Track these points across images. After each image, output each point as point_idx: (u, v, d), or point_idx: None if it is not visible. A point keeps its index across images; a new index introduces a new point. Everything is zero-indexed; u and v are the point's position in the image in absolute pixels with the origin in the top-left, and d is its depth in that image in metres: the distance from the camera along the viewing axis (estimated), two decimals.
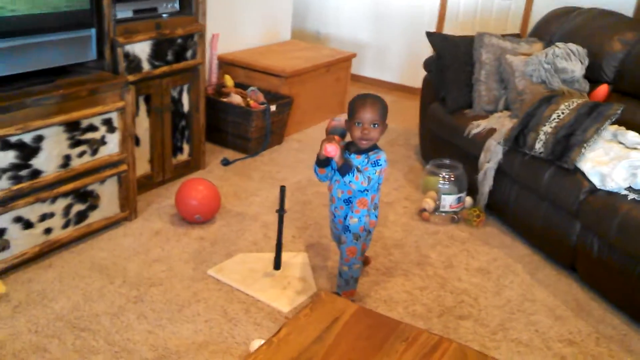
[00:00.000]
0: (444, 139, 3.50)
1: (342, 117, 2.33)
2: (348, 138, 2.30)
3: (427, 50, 5.44)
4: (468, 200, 3.24)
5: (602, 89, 3.21)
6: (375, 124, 2.20)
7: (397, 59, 5.58)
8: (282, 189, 2.51)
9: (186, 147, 3.41)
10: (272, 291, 2.47)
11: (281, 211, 2.53)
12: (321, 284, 2.56)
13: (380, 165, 2.24)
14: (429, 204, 3.20)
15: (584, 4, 3.88)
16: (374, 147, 2.27)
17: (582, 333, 2.37)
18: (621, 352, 2.28)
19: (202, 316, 2.30)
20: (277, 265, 2.60)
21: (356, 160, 2.26)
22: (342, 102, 4.77)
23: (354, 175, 2.18)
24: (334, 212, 2.40)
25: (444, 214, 3.17)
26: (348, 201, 2.33)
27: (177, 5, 3.18)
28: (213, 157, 3.72)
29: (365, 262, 2.67)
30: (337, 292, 2.44)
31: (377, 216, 2.37)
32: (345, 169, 2.18)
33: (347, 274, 2.40)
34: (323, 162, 2.28)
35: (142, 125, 3.06)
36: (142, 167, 3.11)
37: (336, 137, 2.24)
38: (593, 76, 3.31)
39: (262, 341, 2.08)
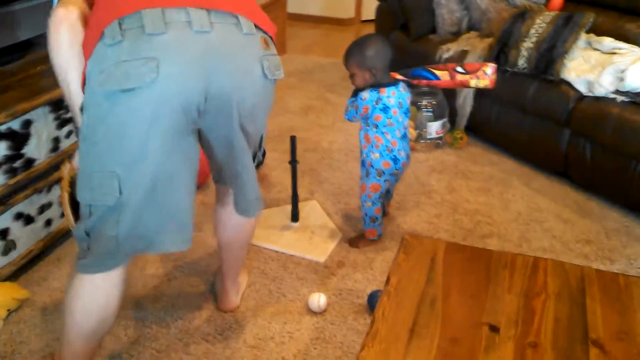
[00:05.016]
0: (411, 67, 3.51)
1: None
2: None
3: None
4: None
5: (558, 0, 3.33)
6: (351, 74, 2.26)
7: None
8: (293, 139, 2.44)
9: None
10: (300, 244, 2.44)
11: (294, 162, 2.47)
12: (342, 228, 2.56)
13: (357, 101, 2.25)
14: (411, 133, 3.23)
15: None
16: (378, 85, 2.22)
17: (592, 231, 2.56)
18: (631, 241, 2.49)
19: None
20: (295, 217, 2.56)
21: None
22: (282, 42, 4.64)
23: (349, 100, 2.31)
24: None
25: (428, 140, 3.24)
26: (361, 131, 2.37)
27: None
28: None
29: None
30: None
31: (393, 160, 2.30)
32: (352, 93, 2.32)
33: (362, 212, 2.41)
34: None
35: None
36: None
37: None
38: None
39: (321, 294, 2.09)
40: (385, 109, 2.22)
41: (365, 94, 2.21)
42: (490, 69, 2.23)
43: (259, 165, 1.80)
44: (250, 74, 1.50)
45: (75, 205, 1.54)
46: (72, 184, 1.55)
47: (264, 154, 1.80)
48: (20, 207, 2.15)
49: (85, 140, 1.44)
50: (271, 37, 1.58)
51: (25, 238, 2.19)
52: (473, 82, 2.25)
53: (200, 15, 1.40)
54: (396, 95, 2.23)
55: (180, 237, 1.56)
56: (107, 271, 1.53)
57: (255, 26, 1.51)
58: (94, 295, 1.54)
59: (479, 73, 2.23)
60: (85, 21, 1.46)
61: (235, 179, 1.73)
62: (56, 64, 1.46)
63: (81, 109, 1.45)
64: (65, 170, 1.62)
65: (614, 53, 2.72)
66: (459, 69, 2.25)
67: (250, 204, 1.80)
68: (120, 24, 1.36)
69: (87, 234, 1.49)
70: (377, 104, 2.20)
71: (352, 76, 2.26)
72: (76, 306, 1.55)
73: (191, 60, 1.39)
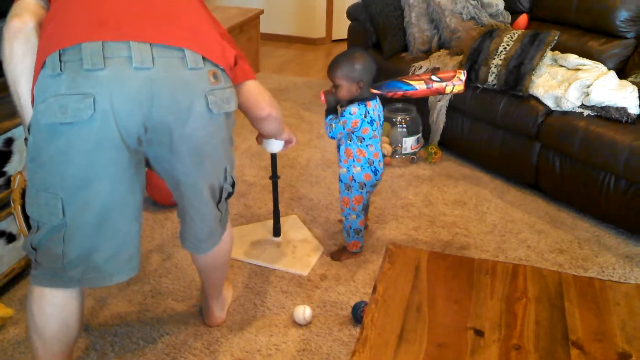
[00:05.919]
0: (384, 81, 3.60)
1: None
2: None
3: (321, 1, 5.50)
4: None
5: (523, 19, 3.46)
6: (335, 85, 2.27)
7: (290, 10, 5.54)
8: (273, 155, 2.48)
9: None
10: (283, 258, 2.47)
11: (274, 177, 2.51)
12: (323, 241, 2.60)
13: (343, 116, 2.28)
14: (386, 148, 3.31)
15: None
16: (363, 99, 2.28)
17: (565, 241, 2.65)
18: (602, 250, 2.59)
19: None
20: (277, 232, 2.59)
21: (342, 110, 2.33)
22: (256, 62, 4.70)
23: (327, 118, 2.34)
24: None
25: (403, 156, 3.31)
26: (338, 147, 2.40)
27: None
28: None
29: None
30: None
31: (374, 172, 2.37)
32: (326, 112, 2.36)
33: (345, 225, 2.46)
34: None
35: None
36: None
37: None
38: (511, 8, 3.56)
39: (306, 307, 2.12)
40: (372, 122, 2.28)
41: (354, 109, 2.25)
42: (463, 75, 2.34)
43: (229, 196, 1.78)
44: (192, 110, 1.47)
45: (27, 217, 1.56)
46: (24, 194, 1.57)
47: (233, 185, 1.78)
48: (2, 225, 2.14)
49: (32, 160, 1.46)
50: (223, 69, 1.54)
51: (7, 256, 2.18)
52: (449, 88, 2.34)
53: (142, 51, 1.39)
54: (377, 109, 2.31)
55: (128, 266, 1.59)
56: (57, 288, 1.55)
57: (204, 59, 1.48)
58: (51, 299, 1.56)
59: (454, 79, 2.33)
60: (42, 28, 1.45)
61: (182, 213, 1.73)
62: (8, 76, 1.46)
63: (29, 128, 1.45)
64: (16, 182, 1.63)
65: (579, 69, 2.85)
66: (434, 77, 2.33)
67: (200, 242, 1.78)
68: (60, 55, 1.36)
69: (34, 248, 1.51)
70: (365, 117, 2.26)
71: (336, 87, 2.26)
72: (35, 311, 1.56)
73: (129, 97, 1.39)
